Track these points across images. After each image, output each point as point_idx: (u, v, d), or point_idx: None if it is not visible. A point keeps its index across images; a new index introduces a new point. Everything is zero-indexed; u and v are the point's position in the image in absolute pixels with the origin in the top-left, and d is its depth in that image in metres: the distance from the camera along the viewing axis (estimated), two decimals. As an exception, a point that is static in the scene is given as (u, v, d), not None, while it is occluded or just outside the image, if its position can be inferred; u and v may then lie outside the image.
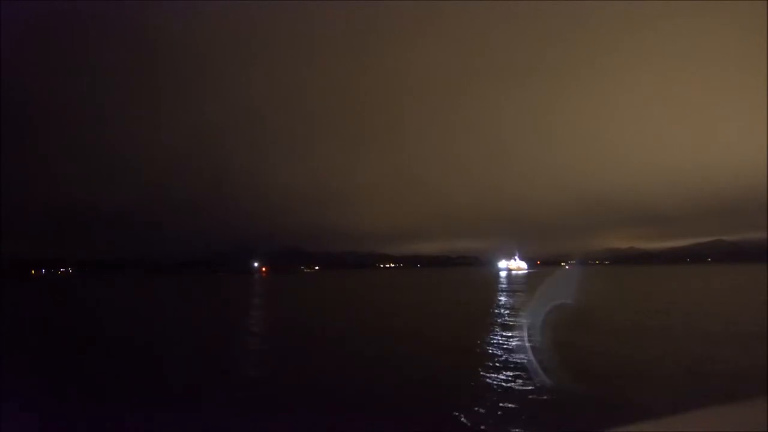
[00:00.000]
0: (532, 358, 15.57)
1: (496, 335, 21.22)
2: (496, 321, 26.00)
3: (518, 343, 19.05)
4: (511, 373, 13.87)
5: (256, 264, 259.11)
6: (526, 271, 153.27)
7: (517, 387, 12.45)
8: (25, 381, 14.40)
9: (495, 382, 12.98)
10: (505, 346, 18.31)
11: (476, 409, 10.61)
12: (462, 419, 9.99)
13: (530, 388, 12.26)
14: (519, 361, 15.52)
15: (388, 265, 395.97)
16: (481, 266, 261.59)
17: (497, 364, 15.14)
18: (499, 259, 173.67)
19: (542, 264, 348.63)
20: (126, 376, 14.72)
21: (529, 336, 20.14)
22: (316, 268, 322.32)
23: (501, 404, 10.97)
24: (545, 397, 11.36)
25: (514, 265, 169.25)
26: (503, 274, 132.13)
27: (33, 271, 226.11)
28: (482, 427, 9.65)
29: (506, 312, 31.23)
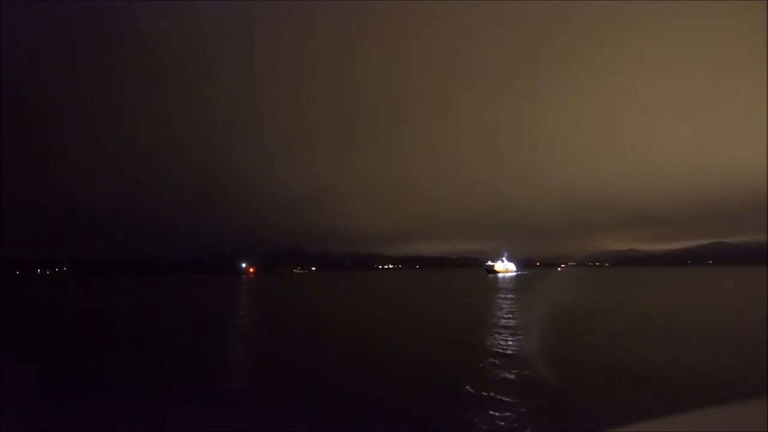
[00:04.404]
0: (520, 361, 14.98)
1: (477, 339, 20.04)
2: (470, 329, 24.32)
3: (504, 345, 17.72)
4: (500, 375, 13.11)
5: (243, 265, 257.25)
6: (514, 273, 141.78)
7: (511, 388, 12.03)
8: (25, 381, 14.31)
9: (489, 383, 12.49)
10: (492, 350, 17.05)
11: (474, 409, 10.36)
12: (459, 420, 9.77)
13: (526, 388, 11.89)
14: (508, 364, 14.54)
15: (386, 267, 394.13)
16: (479, 268, 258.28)
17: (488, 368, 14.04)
18: (497, 260, 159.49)
19: (541, 265, 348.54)
20: (124, 376, 14.56)
21: (514, 338, 19.21)
22: (313, 269, 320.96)
23: (498, 405, 10.61)
24: (541, 398, 11.07)
25: (501, 267, 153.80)
26: (491, 276, 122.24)
27: (20, 272, 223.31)
28: (480, 428, 9.35)
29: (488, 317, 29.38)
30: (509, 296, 47.54)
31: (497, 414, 9.94)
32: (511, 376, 13.03)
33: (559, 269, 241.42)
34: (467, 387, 12.02)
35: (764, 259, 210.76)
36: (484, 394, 11.35)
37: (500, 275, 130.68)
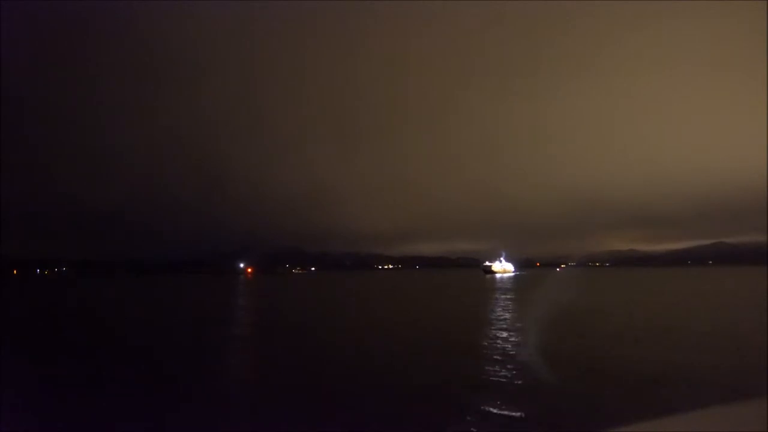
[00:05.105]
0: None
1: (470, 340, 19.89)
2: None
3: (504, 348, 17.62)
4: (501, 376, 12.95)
5: (241, 265, 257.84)
6: (512, 274, 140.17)
7: (511, 388, 12.03)
8: (25, 381, 14.36)
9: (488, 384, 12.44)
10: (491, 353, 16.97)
11: (474, 409, 10.30)
12: (459, 420, 9.71)
13: (525, 389, 11.91)
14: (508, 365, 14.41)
15: (386, 267, 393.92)
16: (479, 268, 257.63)
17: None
18: (495, 260, 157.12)
19: (541, 266, 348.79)
20: (124, 376, 14.56)
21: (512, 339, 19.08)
22: (313, 269, 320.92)
23: (498, 405, 10.56)
24: (541, 398, 11.08)
25: (499, 268, 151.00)
26: (488, 277, 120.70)
27: (20, 271, 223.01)
28: (480, 428, 9.30)
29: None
30: (507, 296, 47.55)
31: (497, 414, 9.92)
32: (511, 377, 12.99)
33: (558, 269, 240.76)
34: (467, 387, 12.01)
35: (764, 259, 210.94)
36: (484, 394, 11.34)
37: (498, 276, 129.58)
